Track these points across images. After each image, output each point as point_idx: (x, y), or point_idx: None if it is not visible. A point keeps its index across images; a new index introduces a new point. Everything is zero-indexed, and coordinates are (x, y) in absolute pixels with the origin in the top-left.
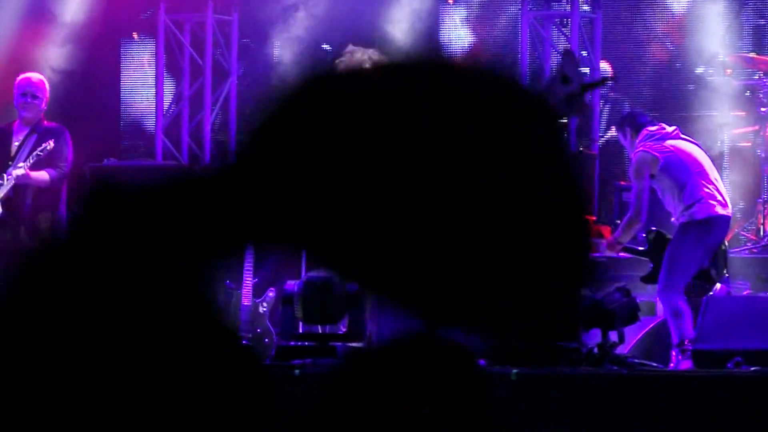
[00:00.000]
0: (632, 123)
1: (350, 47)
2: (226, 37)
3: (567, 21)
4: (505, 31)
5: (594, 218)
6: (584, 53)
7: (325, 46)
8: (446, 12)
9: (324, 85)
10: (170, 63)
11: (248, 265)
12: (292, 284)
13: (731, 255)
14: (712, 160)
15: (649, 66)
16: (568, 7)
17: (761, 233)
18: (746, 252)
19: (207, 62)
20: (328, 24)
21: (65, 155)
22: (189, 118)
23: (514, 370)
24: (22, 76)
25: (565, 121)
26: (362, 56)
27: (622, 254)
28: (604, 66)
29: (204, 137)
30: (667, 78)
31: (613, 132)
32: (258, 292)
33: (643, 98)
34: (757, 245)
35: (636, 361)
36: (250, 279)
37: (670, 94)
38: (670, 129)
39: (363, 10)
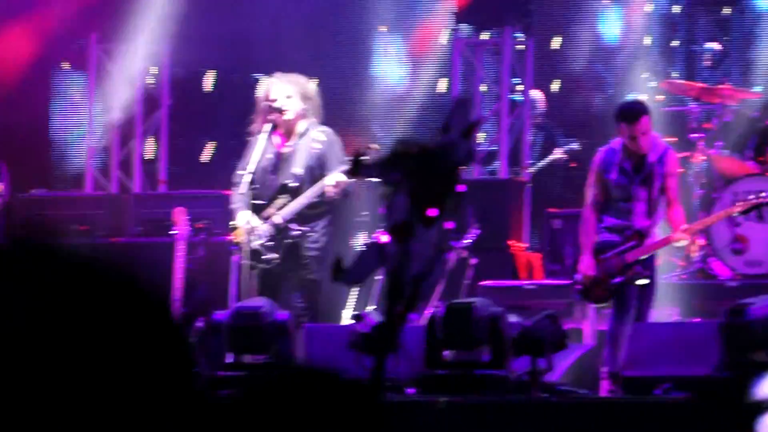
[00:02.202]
0: None
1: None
2: (158, 66)
3: (498, 48)
4: (437, 59)
5: (526, 245)
6: (517, 81)
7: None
8: (378, 39)
9: None
10: (101, 92)
11: (177, 296)
12: (220, 314)
13: (662, 281)
14: None
15: (582, 93)
16: (500, 35)
17: (690, 259)
18: (676, 278)
19: (138, 92)
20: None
21: None
22: (119, 148)
23: (443, 399)
24: None
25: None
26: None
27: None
28: (537, 94)
29: (134, 167)
30: (599, 105)
31: (546, 159)
32: (186, 322)
33: (576, 125)
34: (686, 271)
35: (565, 388)
36: (178, 309)
37: (602, 121)
38: None
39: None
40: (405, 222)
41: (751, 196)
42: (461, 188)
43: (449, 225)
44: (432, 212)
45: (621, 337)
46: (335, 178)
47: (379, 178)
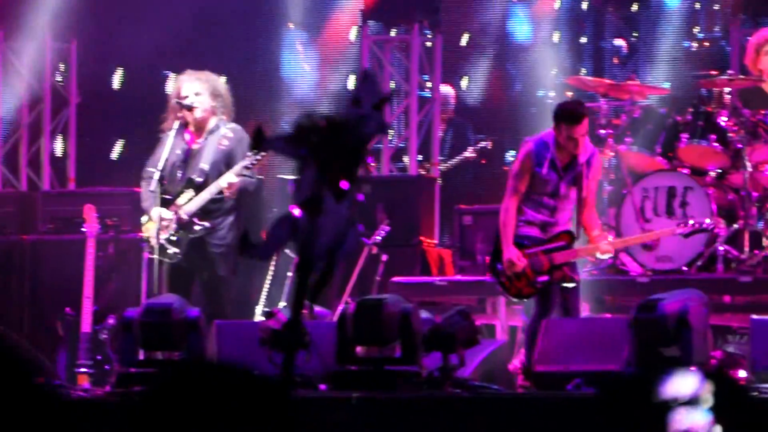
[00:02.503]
0: None
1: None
2: (66, 64)
3: (407, 45)
4: (346, 55)
5: (436, 242)
6: (426, 77)
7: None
8: (287, 36)
9: None
10: (9, 90)
11: (88, 293)
12: (132, 311)
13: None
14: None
15: (491, 90)
16: (408, 32)
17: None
18: (586, 274)
19: (46, 89)
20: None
21: None
22: (28, 146)
23: (355, 395)
24: None
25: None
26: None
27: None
28: (447, 90)
29: (43, 165)
30: (508, 101)
31: (458, 157)
32: (98, 319)
33: (485, 122)
34: (597, 267)
35: (477, 383)
36: (89, 306)
37: (512, 117)
38: None
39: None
40: (314, 196)
41: (692, 222)
42: (370, 160)
43: (360, 197)
44: (343, 185)
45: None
46: (227, 179)
47: (284, 152)
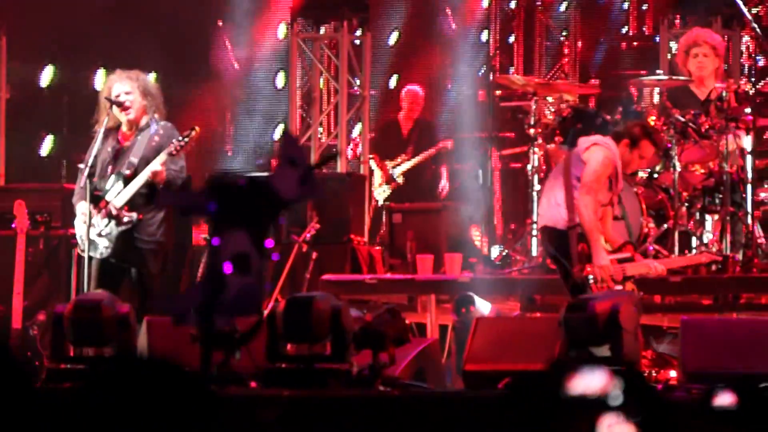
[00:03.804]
0: None
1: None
2: None
3: (336, 43)
4: (275, 52)
5: (365, 240)
6: (355, 78)
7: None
8: (216, 33)
9: None
10: None
11: (18, 289)
12: (62, 307)
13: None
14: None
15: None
16: (338, 30)
17: (530, 254)
18: (517, 272)
19: None
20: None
21: None
22: None
23: (285, 392)
24: None
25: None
26: None
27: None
28: (416, 89)
29: None
30: (441, 100)
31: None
32: (28, 315)
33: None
34: (528, 265)
35: (407, 382)
36: (20, 302)
37: (443, 116)
38: None
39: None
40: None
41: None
42: (281, 220)
43: (275, 256)
44: (268, 243)
45: None
46: (152, 168)
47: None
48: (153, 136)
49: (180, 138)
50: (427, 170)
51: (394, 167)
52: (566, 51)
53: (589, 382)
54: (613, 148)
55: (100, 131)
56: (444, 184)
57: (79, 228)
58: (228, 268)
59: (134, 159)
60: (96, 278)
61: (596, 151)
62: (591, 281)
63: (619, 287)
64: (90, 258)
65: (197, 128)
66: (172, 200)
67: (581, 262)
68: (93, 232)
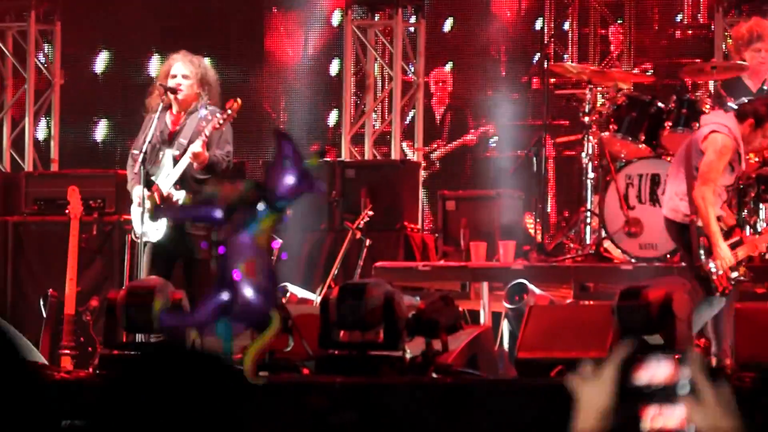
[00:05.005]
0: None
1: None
2: (51, 45)
3: (391, 30)
4: (329, 39)
5: (418, 227)
6: (410, 65)
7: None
8: (270, 20)
9: None
10: None
11: (71, 275)
12: (115, 293)
13: (557, 263)
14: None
15: (478, 75)
16: (392, 17)
17: (584, 242)
18: (570, 260)
19: (30, 71)
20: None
21: None
22: (12, 127)
23: (338, 379)
24: None
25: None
26: None
27: None
28: (444, 76)
29: (27, 146)
30: (495, 87)
31: (455, 142)
32: (81, 300)
33: (475, 106)
34: (581, 253)
35: (459, 369)
36: (73, 288)
37: (497, 102)
38: None
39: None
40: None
41: None
42: (275, 244)
43: (275, 245)
44: (274, 245)
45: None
46: (193, 149)
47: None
48: (201, 120)
49: (221, 112)
50: (466, 156)
51: (429, 153)
52: (621, 38)
53: (656, 372)
54: (734, 129)
55: (155, 117)
56: (494, 171)
57: (133, 213)
58: (237, 275)
59: (183, 140)
60: (148, 264)
61: (714, 140)
62: (713, 275)
63: (735, 274)
64: (144, 244)
65: (239, 100)
66: (172, 322)
67: (706, 255)
68: (146, 217)
